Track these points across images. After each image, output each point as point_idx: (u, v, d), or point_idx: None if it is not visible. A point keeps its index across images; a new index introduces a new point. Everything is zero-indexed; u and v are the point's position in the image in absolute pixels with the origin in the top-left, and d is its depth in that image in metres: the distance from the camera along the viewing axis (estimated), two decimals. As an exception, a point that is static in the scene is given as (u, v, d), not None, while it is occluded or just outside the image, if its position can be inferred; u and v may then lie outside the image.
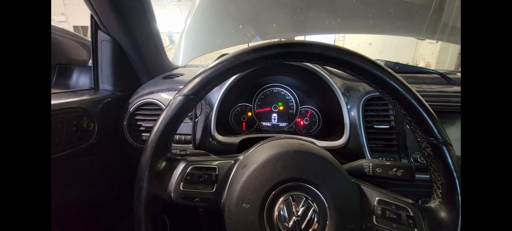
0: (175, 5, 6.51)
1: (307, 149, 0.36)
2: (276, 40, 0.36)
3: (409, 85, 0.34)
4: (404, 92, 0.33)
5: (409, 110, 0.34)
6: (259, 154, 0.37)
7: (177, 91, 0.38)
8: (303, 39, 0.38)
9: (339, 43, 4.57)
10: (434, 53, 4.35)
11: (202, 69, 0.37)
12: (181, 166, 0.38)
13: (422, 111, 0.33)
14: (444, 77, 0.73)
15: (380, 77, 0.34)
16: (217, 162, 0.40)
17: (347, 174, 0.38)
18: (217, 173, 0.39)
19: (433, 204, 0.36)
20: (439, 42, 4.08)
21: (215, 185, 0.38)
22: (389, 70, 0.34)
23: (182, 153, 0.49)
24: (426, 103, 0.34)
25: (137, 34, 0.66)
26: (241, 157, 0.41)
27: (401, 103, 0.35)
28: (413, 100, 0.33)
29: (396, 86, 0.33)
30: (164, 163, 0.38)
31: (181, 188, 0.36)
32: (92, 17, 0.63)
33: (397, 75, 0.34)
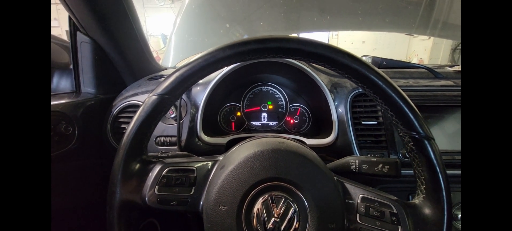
0: (169, 7, 6.48)
1: (287, 148, 0.35)
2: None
3: (389, 79, 0.33)
4: (384, 86, 0.33)
5: (390, 104, 0.33)
6: (238, 154, 0.36)
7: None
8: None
9: (333, 42, 4.59)
10: (426, 49, 4.39)
11: (177, 68, 0.36)
12: (156, 169, 0.36)
13: (403, 105, 0.32)
14: (431, 72, 0.73)
15: (359, 72, 0.33)
16: (196, 164, 0.38)
17: (329, 171, 0.37)
18: (195, 174, 0.37)
19: (417, 200, 0.35)
20: (431, 39, 4.12)
21: (193, 187, 0.36)
22: (369, 64, 0.33)
23: (163, 155, 0.48)
24: (407, 97, 0.33)
25: (118, 35, 0.64)
26: (220, 158, 0.39)
27: (382, 98, 0.34)
28: (393, 94, 0.33)
29: (376, 80, 0.33)
30: (138, 166, 0.36)
31: (156, 192, 0.35)
32: (70, 17, 0.61)
33: (377, 69, 0.33)
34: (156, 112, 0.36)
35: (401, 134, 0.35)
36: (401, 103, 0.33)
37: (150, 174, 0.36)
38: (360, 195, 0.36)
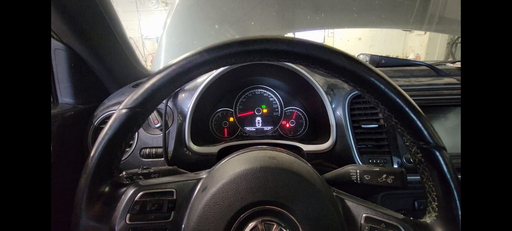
0: (163, 10, 6.41)
1: (277, 164, 0.31)
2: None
3: (392, 82, 0.29)
4: (386, 90, 0.28)
5: (394, 111, 0.29)
6: (221, 173, 0.31)
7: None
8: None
9: (329, 40, 4.56)
10: (423, 44, 4.37)
11: (149, 76, 0.31)
12: (129, 193, 0.32)
13: (409, 112, 0.28)
14: (433, 69, 0.69)
15: (357, 74, 0.28)
16: (176, 184, 0.34)
17: (327, 188, 0.32)
18: (175, 197, 0.32)
19: (428, 219, 0.31)
20: (428, 34, 4.11)
21: (173, 212, 0.32)
22: (368, 65, 0.29)
23: (143, 171, 0.43)
24: (413, 102, 0.29)
25: (94, 40, 0.59)
26: (204, 176, 0.35)
27: (384, 104, 0.29)
28: (397, 99, 0.28)
29: (377, 83, 0.28)
30: (107, 191, 0.31)
31: (127, 221, 0.30)
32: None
33: (378, 71, 0.29)
34: (126, 129, 0.31)
35: (407, 144, 0.31)
36: (407, 109, 0.28)
37: (121, 199, 0.31)
38: (363, 215, 0.31)
